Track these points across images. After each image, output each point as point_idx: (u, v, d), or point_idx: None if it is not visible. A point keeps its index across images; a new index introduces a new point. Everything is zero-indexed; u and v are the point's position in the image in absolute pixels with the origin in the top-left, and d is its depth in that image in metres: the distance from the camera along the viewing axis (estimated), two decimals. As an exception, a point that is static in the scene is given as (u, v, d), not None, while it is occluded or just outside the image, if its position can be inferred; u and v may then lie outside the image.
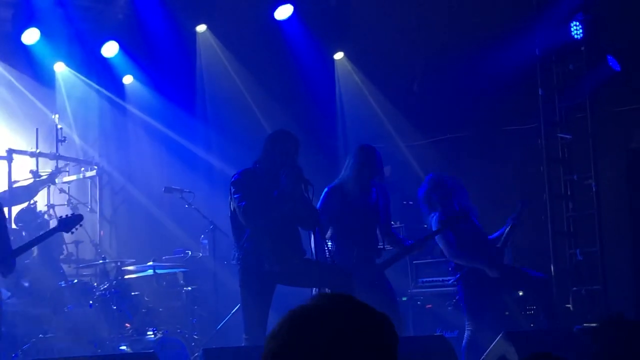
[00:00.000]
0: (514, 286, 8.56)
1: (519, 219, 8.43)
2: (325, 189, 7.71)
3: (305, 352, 1.85)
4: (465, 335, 8.15)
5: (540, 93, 10.41)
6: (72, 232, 7.62)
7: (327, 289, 6.89)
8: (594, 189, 10.11)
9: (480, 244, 8.32)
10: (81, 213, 10.44)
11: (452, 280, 8.66)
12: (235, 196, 6.94)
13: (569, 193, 10.48)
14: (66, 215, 7.37)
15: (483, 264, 8.13)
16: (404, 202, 10.66)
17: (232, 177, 7.09)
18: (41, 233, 7.38)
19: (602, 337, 4.42)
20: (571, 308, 10.02)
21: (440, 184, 8.48)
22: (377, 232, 7.92)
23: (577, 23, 10.11)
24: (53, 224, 10.45)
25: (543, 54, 10.37)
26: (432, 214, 8.34)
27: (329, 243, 7.47)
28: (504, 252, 8.44)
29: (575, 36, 10.14)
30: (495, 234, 8.56)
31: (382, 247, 7.98)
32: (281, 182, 6.89)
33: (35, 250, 9.37)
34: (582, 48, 10.21)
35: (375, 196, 7.87)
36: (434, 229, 8.23)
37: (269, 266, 6.94)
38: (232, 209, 7.09)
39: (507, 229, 8.40)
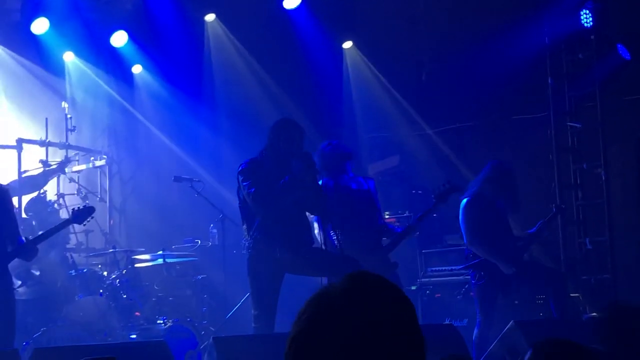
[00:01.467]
0: (526, 279, 8.47)
1: (548, 224, 8.38)
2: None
3: (329, 343, 1.74)
4: (476, 325, 8.13)
5: (549, 82, 10.40)
6: (85, 225, 7.70)
7: (335, 279, 6.90)
8: (603, 178, 10.10)
9: (501, 237, 8.18)
10: (91, 203, 10.54)
11: (460, 267, 8.61)
12: (244, 184, 6.98)
13: (578, 182, 10.47)
14: (79, 208, 7.42)
15: (498, 259, 8.00)
16: (413, 191, 10.67)
17: (239, 166, 7.14)
18: (56, 224, 7.44)
19: (609, 323, 4.44)
20: (580, 297, 10.01)
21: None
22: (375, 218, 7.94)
23: (587, 11, 10.07)
24: (63, 213, 10.51)
25: (552, 43, 10.34)
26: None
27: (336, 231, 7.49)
28: (524, 251, 8.34)
29: (585, 25, 10.10)
30: (532, 230, 8.47)
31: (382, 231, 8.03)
32: (293, 168, 6.93)
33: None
34: (592, 37, 10.17)
35: (365, 185, 7.93)
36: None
37: (280, 254, 6.98)
38: (242, 198, 7.13)
39: (536, 230, 8.34)
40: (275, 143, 7.14)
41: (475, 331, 8.04)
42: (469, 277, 8.35)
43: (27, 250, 6.98)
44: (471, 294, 8.51)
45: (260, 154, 7.24)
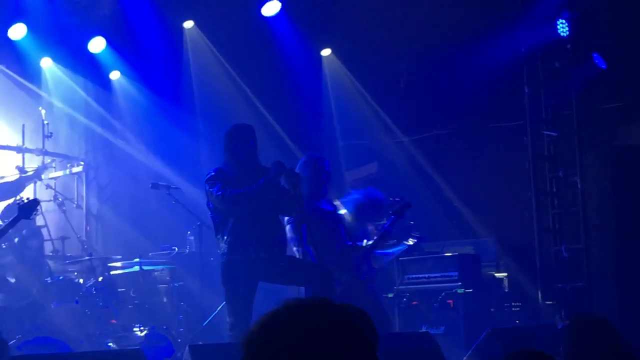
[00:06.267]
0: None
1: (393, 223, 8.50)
2: None
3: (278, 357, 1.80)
4: None
5: (526, 90, 10.46)
6: (32, 218, 7.64)
7: (308, 288, 6.97)
8: (579, 186, 10.16)
9: (336, 245, 8.38)
10: (68, 209, 10.49)
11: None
12: (211, 190, 7.09)
13: (554, 190, 10.52)
14: (23, 202, 7.37)
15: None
16: (390, 199, 10.68)
17: (205, 176, 7.24)
18: (3, 225, 7.40)
19: (571, 334, 4.49)
20: (555, 305, 10.07)
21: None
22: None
23: (564, 20, 10.14)
24: (39, 220, 10.45)
25: (529, 51, 10.40)
26: None
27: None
28: (365, 259, 8.44)
29: (562, 34, 10.17)
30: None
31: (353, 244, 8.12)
32: (270, 172, 7.01)
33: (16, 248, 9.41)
34: (568, 45, 10.24)
35: (331, 206, 8.12)
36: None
37: (255, 254, 7.03)
38: (212, 207, 7.22)
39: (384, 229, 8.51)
40: (231, 149, 7.31)
41: None
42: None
43: None
44: None
45: (223, 164, 7.38)
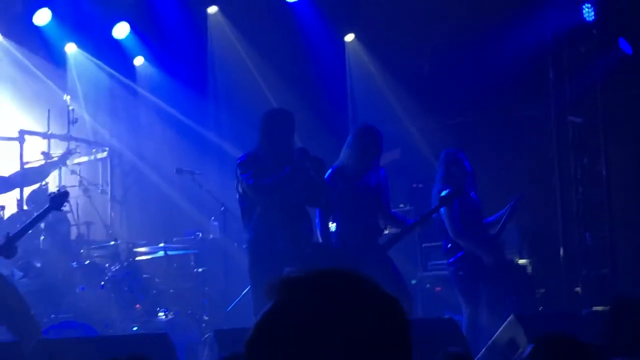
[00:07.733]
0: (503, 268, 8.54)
1: (513, 212, 8.39)
2: (328, 171, 7.67)
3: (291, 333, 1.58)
4: (463, 318, 8.15)
5: (550, 76, 10.39)
6: (62, 209, 7.69)
7: None
8: (604, 173, 10.11)
9: (479, 228, 8.31)
10: (92, 195, 10.55)
11: (452, 260, 8.48)
12: (243, 176, 7.05)
13: (579, 177, 10.47)
14: (54, 193, 7.40)
15: (481, 249, 8.12)
16: (414, 185, 10.67)
17: (238, 160, 7.21)
18: (34, 215, 7.43)
19: (615, 318, 4.43)
20: (580, 291, 10.04)
21: (457, 160, 8.40)
22: (378, 214, 7.90)
23: (589, 5, 10.07)
24: (65, 207, 10.52)
25: (554, 37, 10.34)
26: (443, 190, 8.27)
27: (334, 224, 7.52)
28: (498, 241, 8.43)
29: (587, 18, 10.10)
30: (490, 219, 8.55)
31: (383, 228, 8.00)
32: (295, 159, 6.98)
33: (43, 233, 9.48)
34: (594, 31, 10.18)
35: (375, 178, 7.84)
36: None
37: (282, 245, 7.02)
38: (241, 192, 7.19)
39: (505, 217, 8.38)
40: (267, 132, 7.23)
41: (465, 323, 8.04)
42: (451, 269, 8.33)
43: (5, 248, 6.83)
44: (456, 286, 8.46)
45: (256, 147, 7.29)
